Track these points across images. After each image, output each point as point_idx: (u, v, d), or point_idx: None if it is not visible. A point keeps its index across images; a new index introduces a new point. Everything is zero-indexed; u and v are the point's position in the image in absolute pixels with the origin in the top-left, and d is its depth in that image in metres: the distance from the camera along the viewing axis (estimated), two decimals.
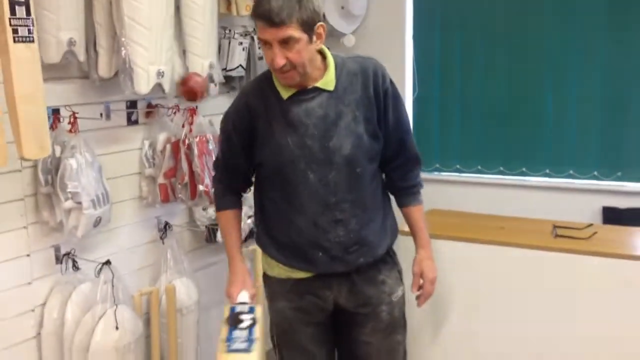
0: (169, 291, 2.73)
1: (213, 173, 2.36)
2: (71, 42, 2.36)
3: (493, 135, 3.71)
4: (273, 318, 2.29)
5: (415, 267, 2.22)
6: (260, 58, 3.31)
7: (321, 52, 2.05)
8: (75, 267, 2.56)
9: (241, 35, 3.20)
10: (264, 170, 2.14)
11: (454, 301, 2.67)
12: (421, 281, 2.24)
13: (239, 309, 2.05)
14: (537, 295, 2.52)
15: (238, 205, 2.29)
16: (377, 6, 3.85)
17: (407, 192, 2.25)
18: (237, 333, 1.94)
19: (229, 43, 3.14)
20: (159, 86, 2.57)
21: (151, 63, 2.50)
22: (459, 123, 3.83)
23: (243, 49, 3.19)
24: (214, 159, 2.83)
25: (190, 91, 2.73)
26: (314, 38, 1.94)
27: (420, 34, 3.88)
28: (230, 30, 3.15)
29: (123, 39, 2.43)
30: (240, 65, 3.20)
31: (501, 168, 3.69)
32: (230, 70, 3.17)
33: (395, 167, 2.21)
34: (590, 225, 2.73)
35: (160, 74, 2.54)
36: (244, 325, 1.97)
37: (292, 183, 2.06)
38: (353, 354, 2.30)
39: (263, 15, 1.87)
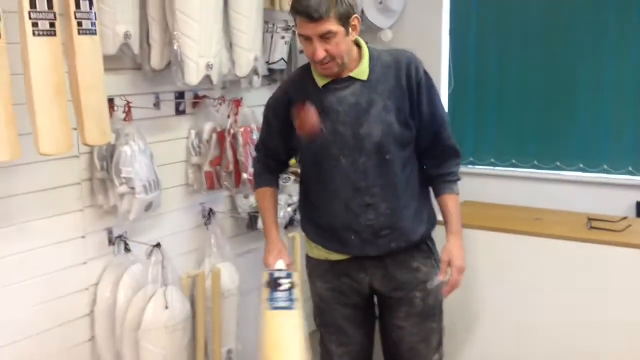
0: (214, 275, 2.84)
1: (255, 152, 2.52)
2: (127, 35, 2.47)
3: (528, 130, 3.75)
4: (313, 299, 2.43)
5: (444, 254, 2.26)
6: (301, 52, 3.39)
7: (357, 44, 2.17)
8: (127, 249, 2.68)
9: (283, 29, 3.29)
10: (303, 156, 2.31)
11: (488, 291, 2.74)
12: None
13: (277, 274, 2.17)
14: (571, 286, 2.58)
15: (274, 184, 2.44)
16: (415, 1, 3.91)
17: (442, 180, 2.30)
18: (278, 294, 2.06)
19: (272, 37, 3.23)
20: (207, 78, 2.68)
21: (201, 56, 2.61)
22: (494, 117, 3.88)
23: (285, 43, 3.29)
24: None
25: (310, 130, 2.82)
26: (350, 30, 2.06)
27: (456, 29, 3.93)
28: (273, 25, 3.24)
29: (175, 33, 2.54)
30: (282, 58, 3.29)
31: (535, 162, 3.74)
32: (273, 63, 3.26)
33: (431, 157, 2.28)
34: (625, 218, 2.78)
35: (209, 67, 2.65)
36: (283, 288, 2.09)
37: (326, 168, 2.19)
38: (388, 338, 2.42)
39: (303, 11, 1.99)
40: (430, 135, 2.22)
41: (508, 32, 3.76)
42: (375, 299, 2.41)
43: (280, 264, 2.26)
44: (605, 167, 3.56)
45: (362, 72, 2.15)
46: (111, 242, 2.68)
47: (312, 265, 2.42)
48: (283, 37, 3.27)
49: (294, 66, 3.37)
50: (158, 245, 2.62)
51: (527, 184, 3.67)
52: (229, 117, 2.97)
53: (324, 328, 2.43)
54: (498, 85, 3.82)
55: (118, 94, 2.60)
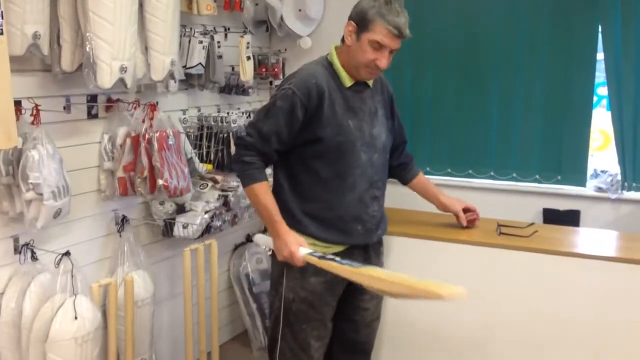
0: (127, 283, 2.77)
1: (248, 142, 2.38)
2: (36, 36, 2.38)
3: (442, 139, 3.85)
4: (295, 295, 2.46)
5: (456, 205, 2.84)
6: (220, 57, 3.37)
7: None
8: (34, 257, 2.58)
9: (201, 33, 3.26)
10: (320, 147, 2.37)
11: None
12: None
13: (315, 254, 2.27)
14: (482, 288, 2.65)
15: (267, 179, 2.44)
16: (333, 10, 3.95)
17: (411, 165, 2.81)
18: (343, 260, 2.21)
19: (189, 41, 3.20)
20: (120, 81, 2.62)
21: (114, 58, 2.54)
22: (410, 127, 3.93)
23: (203, 47, 3.26)
24: (173, 153, 2.92)
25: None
26: None
27: None
28: (190, 29, 3.21)
29: (87, 34, 2.47)
30: (200, 63, 3.26)
31: (449, 170, 3.84)
32: (190, 68, 3.22)
33: (397, 155, 2.75)
34: (532, 224, 2.89)
35: (123, 69, 2.58)
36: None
37: (347, 161, 2.38)
38: (349, 320, 2.61)
39: (398, 27, 2.28)
40: (399, 137, 2.70)
41: (425, 44, 3.84)
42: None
43: (305, 250, 2.30)
44: (514, 175, 3.69)
45: (370, 80, 2.47)
46: (17, 250, 2.57)
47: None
48: (201, 42, 3.24)
49: (211, 71, 3.34)
50: (67, 254, 2.54)
51: (443, 190, 3.75)
52: (143, 121, 2.90)
53: (307, 324, 2.49)
54: (413, 96, 3.90)
55: (25, 96, 2.50)
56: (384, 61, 2.32)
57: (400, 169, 2.80)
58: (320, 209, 2.43)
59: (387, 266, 2.77)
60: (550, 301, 2.58)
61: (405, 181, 2.84)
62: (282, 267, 2.46)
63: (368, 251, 2.56)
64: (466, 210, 2.85)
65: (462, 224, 2.81)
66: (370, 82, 2.47)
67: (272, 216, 2.35)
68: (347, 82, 2.41)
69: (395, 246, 2.80)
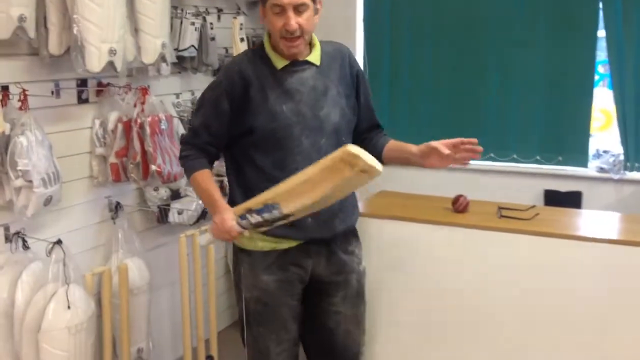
0: (121, 271, 2.72)
1: (185, 139, 2.33)
2: (21, 19, 2.32)
3: (440, 120, 3.80)
4: (251, 294, 2.28)
5: (432, 145, 2.17)
6: (213, 39, 3.31)
7: None
8: (25, 246, 2.53)
9: (193, 15, 3.19)
10: (254, 137, 2.18)
11: (403, 281, 2.75)
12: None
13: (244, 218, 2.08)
14: (482, 273, 2.61)
15: (210, 166, 2.28)
16: (332, 5, 3.87)
17: (380, 135, 2.41)
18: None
19: (181, 23, 3.13)
20: (110, 65, 2.55)
21: (103, 41, 2.48)
22: (406, 107, 3.90)
23: (195, 29, 3.19)
24: (166, 138, 2.87)
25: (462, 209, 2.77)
26: (316, 10, 2.13)
27: (370, 20, 3.93)
28: (182, 10, 3.14)
29: (75, 16, 2.41)
30: (192, 45, 3.19)
31: None
32: (182, 50, 3.16)
33: (366, 137, 2.39)
34: (533, 206, 2.83)
35: (112, 52, 2.52)
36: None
37: (286, 148, 2.17)
38: (323, 326, 2.37)
39: None
40: (367, 121, 2.37)
41: (420, 23, 3.80)
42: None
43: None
44: (515, 156, 3.64)
45: (316, 57, 2.21)
46: (8, 239, 2.51)
47: (253, 259, 2.27)
48: (193, 23, 3.17)
49: (204, 53, 3.27)
50: (59, 242, 2.48)
51: (439, 172, 3.67)
52: (135, 105, 2.84)
53: (264, 327, 2.29)
54: (411, 75, 3.85)
55: (13, 81, 2.44)
56: (290, 22, 2.05)
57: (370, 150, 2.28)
58: None
59: (380, 253, 2.70)
60: (552, 285, 2.53)
61: (378, 157, 2.27)
62: (238, 265, 2.34)
63: (331, 247, 2.29)
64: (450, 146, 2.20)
65: (444, 152, 2.15)
66: (316, 59, 2.20)
67: (211, 197, 2.20)
68: (279, 63, 2.18)
69: (389, 231, 2.74)
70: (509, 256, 2.57)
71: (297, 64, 2.19)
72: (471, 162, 3.66)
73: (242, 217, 2.07)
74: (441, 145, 2.17)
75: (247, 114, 2.17)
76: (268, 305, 2.27)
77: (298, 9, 2.05)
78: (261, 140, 2.18)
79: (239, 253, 2.32)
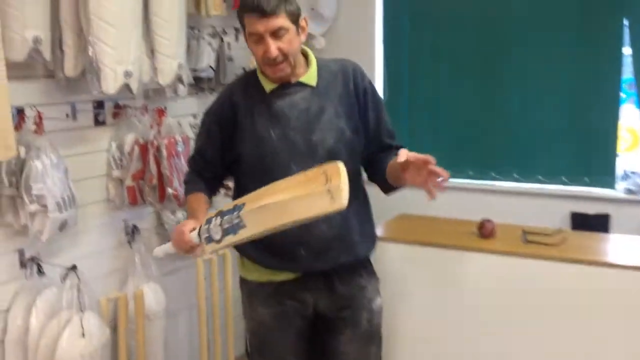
0: (137, 297, 2.67)
1: (187, 162, 2.30)
2: (37, 40, 2.29)
3: (462, 140, 3.72)
4: (250, 326, 2.21)
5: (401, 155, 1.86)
6: (230, 59, 3.27)
7: (303, 52, 2.09)
8: (40, 271, 2.48)
9: (210, 35, 3.16)
10: (244, 164, 2.10)
11: (422, 306, 2.67)
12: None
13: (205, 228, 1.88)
14: (507, 302, 2.52)
15: (208, 193, 2.18)
16: (347, 8, 3.84)
17: (390, 153, 2.08)
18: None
19: (198, 43, 3.09)
20: (126, 86, 2.52)
21: (118, 62, 2.44)
22: (427, 127, 3.83)
23: (212, 50, 3.15)
24: (182, 160, 2.82)
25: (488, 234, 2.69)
26: (299, 30, 2.00)
27: (390, 38, 3.88)
28: (199, 31, 3.11)
29: (90, 38, 2.38)
30: (210, 66, 3.15)
31: (470, 172, 3.70)
32: (199, 71, 3.12)
33: (376, 158, 2.15)
34: (560, 231, 2.74)
35: (127, 74, 2.48)
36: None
37: (274, 176, 1.96)
38: None
39: (253, 7, 1.92)
40: (377, 143, 2.15)
41: (441, 41, 3.73)
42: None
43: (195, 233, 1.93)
44: (540, 177, 3.54)
45: (310, 77, 2.08)
46: (22, 264, 2.47)
47: (250, 289, 2.19)
48: (210, 44, 3.14)
49: (222, 74, 3.24)
50: (73, 268, 2.44)
51: (462, 194, 3.62)
52: (151, 127, 2.80)
53: (263, 359, 2.21)
54: (431, 94, 3.77)
55: (28, 103, 2.40)
56: (270, 49, 1.93)
57: (377, 169, 2.16)
58: None
59: (400, 278, 2.60)
60: (581, 315, 2.43)
61: (382, 177, 2.12)
62: (242, 294, 2.25)
63: (332, 280, 2.12)
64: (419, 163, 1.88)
65: (402, 159, 1.84)
66: (311, 79, 2.06)
67: (191, 211, 2.11)
68: (268, 86, 2.07)
69: (410, 256, 2.66)
70: (536, 283, 2.49)
71: (288, 86, 2.06)
72: (494, 182, 3.63)
73: (202, 227, 1.89)
74: (411, 155, 1.86)
75: (236, 140, 2.09)
76: (265, 338, 2.18)
77: (276, 34, 1.93)
78: (249, 167, 2.09)
79: (240, 282, 2.24)
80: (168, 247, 2.06)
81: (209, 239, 1.87)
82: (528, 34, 3.52)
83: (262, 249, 2.09)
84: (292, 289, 2.11)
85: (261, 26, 1.92)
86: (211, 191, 2.22)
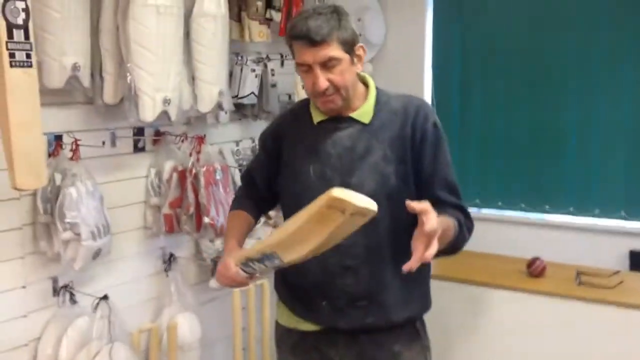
0: (171, 328, 2.61)
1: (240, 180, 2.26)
2: (75, 67, 2.28)
3: (514, 171, 3.56)
4: None
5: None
6: (274, 85, 3.22)
7: (364, 82, 1.93)
8: (73, 300, 2.45)
9: (254, 62, 3.11)
10: (284, 199, 2.00)
11: (468, 349, 2.53)
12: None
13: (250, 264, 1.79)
14: (558, 347, 2.36)
15: (252, 212, 2.07)
16: (396, 35, 3.74)
17: (442, 209, 1.76)
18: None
19: (241, 70, 3.05)
20: (164, 114, 2.48)
21: (157, 90, 2.41)
22: (478, 157, 3.69)
23: (255, 76, 3.10)
24: (221, 189, 2.76)
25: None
26: (355, 60, 1.83)
27: (439, 66, 3.77)
28: (242, 57, 3.06)
29: (129, 65, 2.35)
30: (253, 92, 3.10)
31: (522, 205, 3.54)
32: (242, 97, 3.07)
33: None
34: (617, 272, 2.57)
35: (166, 102, 2.45)
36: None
37: None
38: None
39: (301, 35, 1.75)
40: (429, 195, 1.78)
41: (494, 68, 3.60)
42: None
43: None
44: (597, 211, 3.35)
45: (364, 113, 1.88)
46: (55, 292, 2.44)
47: (280, 333, 2.08)
48: (253, 70, 3.08)
49: (265, 100, 3.18)
50: (105, 297, 2.39)
51: (514, 228, 3.46)
52: (190, 155, 2.76)
53: None
54: (483, 124, 3.64)
55: (66, 130, 2.39)
56: (319, 81, 1.76)
57: None
58: (290, 272, 1.87)
59: (445, 321, 2.45)
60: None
61: None
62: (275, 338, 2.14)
63: (360, 341, 1.90)
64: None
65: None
66: (365, 115, 1.87)
67: (226, 236, 2.02)
68: (317, 117, 1.91)
69: (455, 296, 2.53)
70: (589, 327, 2.33)
71: (337, 119, 1.88)
72: (548, 216, 3.45)
73: (244, 264, 1.81)
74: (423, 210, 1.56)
75: (279, 171, 1.98)
76: None
77: (327, 65, 1.76)
78: (287, 203, 1.97)
79: (275, 325, 2.13)
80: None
81: (254, 271, 1.81)
82: (585, 63, 3.36)
83: (291, 292, 1.99)
84: (318, 341, 1.96)
85: (310, 56, 1.76)
86: (259, 211, 2.13)
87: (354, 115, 1.88)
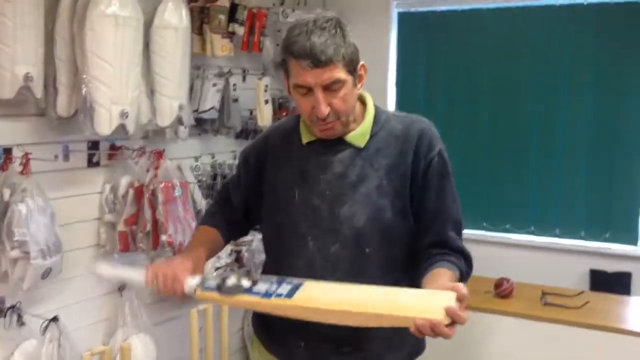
0: (124, 350, 2.50)
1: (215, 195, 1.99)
2: (28, 78, 2.17)
3: (476, 190, 3.56)
4: None
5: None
6: (235, 100, 3.15)
7: (361, 99, 1.70)
8: (21, 322, 2.32)
9: (215, 76, 3.05)
10: (265, 227, 1.77)
11: None
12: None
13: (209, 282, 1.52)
14: None
15: (223, 233, 1.82)
16: (362, 51, 3.71)
17: (440, 257, 1.60)
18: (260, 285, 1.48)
19: (202, 84, 2.98)
20: (122, 127, 2.39)
21: (114, 102, 2.32)
22: None
23: (217, 91, 3.03)
24: (179, 206, 2.67)
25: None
26: (357, 80, 1.62)
27: (403, 84, 3.76)
28: (203, 71, 2.99)
29: (85, 76, 2.26)
30: (214, 107, 3.03)
31: (484, 224, 3.54)
32: (203, 112, 3.00)
33: (424, 255, 1.63)
34: (581, 292, 2.56)
35: (124, 115, 2.36)
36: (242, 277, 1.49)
37: (287, 248, 1.66)
38: None
39: (304, 53, 1.51)
40: (432, 233, 1.63)
41: (457, 89, 3.61)
42: None
43: (194, 280, 1.55)
44: (557, 231, 3.37)
45: (360, 135, 1.65)
46: (2, 313, 2.31)
47: None
48: (215, 84, 3.02)
49: (226, 116, 3.11)
50: (54, 319, 2.27)
51: (475, 247, 3.37)
52: (148, 170, 2.66)
53: None
54: (445, 143, 3.61)
55: (16, 143, 2.28)
56: (321, 107, 1.55)
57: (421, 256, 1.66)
58: None
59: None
60: None
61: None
62: None
63: None
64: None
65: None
66: (360, 139, 1.65)
67: (191, 246, 1.77)
68: (306, 137, 1.69)
69: None
70: (556, 349, 2.30)
71: (328, 141, 1.66)
72: (510, 235, 3.45)
73: (210, 279, 1.52)
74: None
75: (259, 194, 1.75)
76: None
77: (330, 88, 1.54)
78: (267, 229, 1.76)
79: None
80: (126, 274, 1.65)
81: (222, 288, 1.49)
82: (546, 83, 3.40)
83: (267, 330, 1.78)
84: None
85: (312, 78, 1.53)
86: (229, 235, 1.86)
87: (348, 138, 1.65)
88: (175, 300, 1.65)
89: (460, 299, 1.36)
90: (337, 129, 1.62)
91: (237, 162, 1.96)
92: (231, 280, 1.49)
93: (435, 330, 1.31)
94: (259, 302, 1.45)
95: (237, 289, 1.47)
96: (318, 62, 1.51)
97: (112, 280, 1.75)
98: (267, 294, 1.45)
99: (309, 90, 1.55)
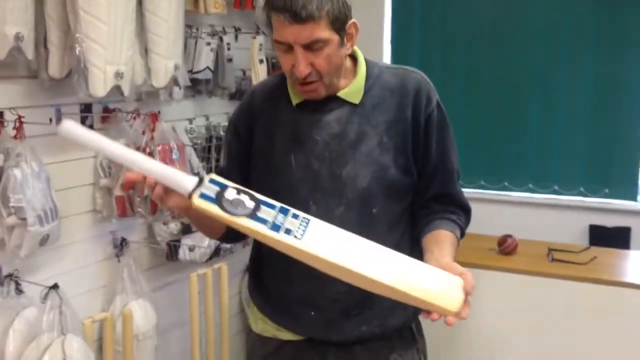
0: (125, 317, 2.46)
1: None
2: (18, 38, 2.08)
3: (474, 148, 3.54)
4: None
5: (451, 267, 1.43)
6: (230, 60, 3.07)
7: (352, 55, 1.62)
8: (19, 290, 2.26)
9: (209, 35, 2.96)
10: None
11: (444, 332, 2.48)
12: None
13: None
14: (532, 324, 2.33)
15: None
16: (356, 7, 3.63)
17: (439, 218, 1.63)
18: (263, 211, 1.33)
19: (196, 43, 2.89)
20: (117, 89, 2.31)
21: (109, 63, 2.24)
22: None
23: (211, 50, 2.95)
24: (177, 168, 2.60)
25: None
26: (345, 40, 1.52)
27: (399, 41, 3.69)
28: (197, 29, 2.91)
29: (77, 35, 2.17)
30: (208, 67, 2.95)
31: (482, 182, 3.52)
32: (197, 72, 2.92)
33: (425, 209, 1.66)
34: (588, 248, 2.55)
35: (119, 75, 2.27)
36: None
37: None
38: None
39: (283, 7, 1.42)
40: (436, 186, 1.63)
41: (455, 46, 3.55)
42: None
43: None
44: (556, 187, 3.36)
45: (353, 92, 1.59)
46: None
47: (254, 342, 1.80)
48: (209, 43, 2.93)
49: (220, 76, 3.03)
50: (54, 287, 2.23)
51: (474, 205, 3.41)
52: (144, 133, 2.59)
53: None
54: (442, 101, 3.57)
55: (8, 106, 2.19)
56: (299, 66, 1.47)
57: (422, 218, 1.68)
58: (268, 275, 1.71)
59: None
60: (613, 339, 2.25)
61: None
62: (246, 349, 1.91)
63: (352, 351, 1.65)
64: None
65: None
66: (354, 95, 1.59)
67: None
68: (296, 98, 1.61)
69: None
70: (563, 306, 2.30)
71: (322, 100, 1.58)
72: (508, 193, 3.44)
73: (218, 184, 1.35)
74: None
75: (250, 161, 1.67)
76: None
77: (311, 47, 1.45)
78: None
79: (248, 332, 1.93)
80: (96, 144, 1.45)
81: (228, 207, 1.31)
82: (545, 40, 3.36)
83: (270, 300, 1.72)
84: (300, 352, 1.69)
85: (291, 35, 1.44)
86: None
87: (341, 94, 1.58)
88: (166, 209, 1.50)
89: (466, 292, 1.36)
90: (320, 92, 1.55)
91: (225, 133, 1.80)
92: (230, 193, 1.34)
93: (442, 316, 1.34)
94: (265, 235, 1.31)
95: (239, 205, 1.32)
96: (297, 17, 1.41)
97: (77, 142, 1.46)
98: (275, 226, 1.32)
99: (289, 47, 1.47)
